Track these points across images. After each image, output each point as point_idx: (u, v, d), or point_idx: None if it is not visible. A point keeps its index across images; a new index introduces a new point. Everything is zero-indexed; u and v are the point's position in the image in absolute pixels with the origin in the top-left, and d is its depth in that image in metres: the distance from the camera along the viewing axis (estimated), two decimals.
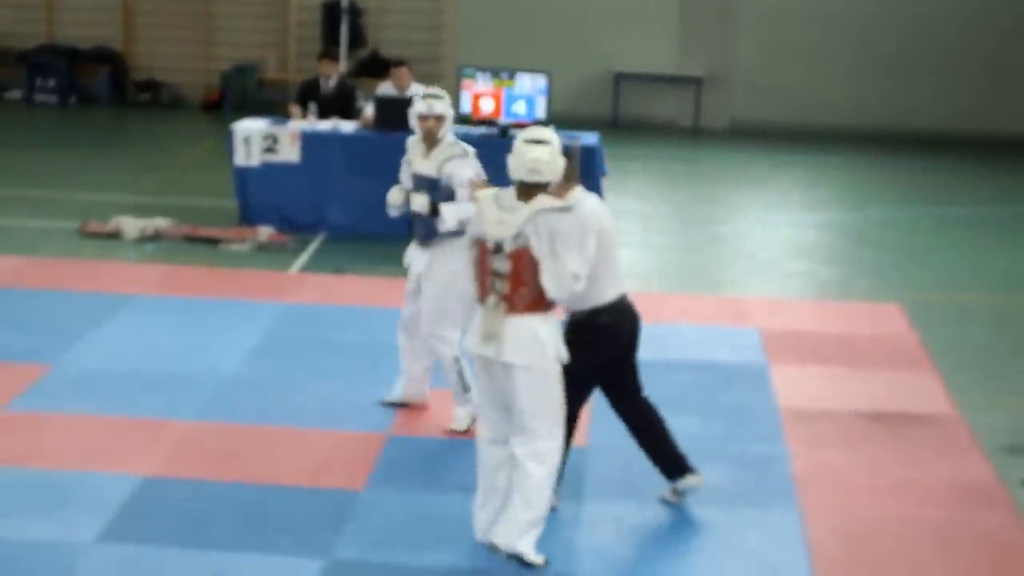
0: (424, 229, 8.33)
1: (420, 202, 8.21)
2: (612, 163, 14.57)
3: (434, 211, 8.18)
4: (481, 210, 6.73)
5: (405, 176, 8.52)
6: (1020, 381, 10.04)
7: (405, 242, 8.75)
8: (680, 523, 7.39)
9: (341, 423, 8.58)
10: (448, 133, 8.38)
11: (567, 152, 6.96)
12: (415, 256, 8.47)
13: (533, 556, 6.75)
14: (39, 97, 21.20)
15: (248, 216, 13.56)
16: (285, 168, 13.45)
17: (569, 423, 7.12)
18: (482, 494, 6.96)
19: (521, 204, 6.61)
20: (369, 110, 13.54)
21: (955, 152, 20.05)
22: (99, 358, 9.60)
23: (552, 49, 20.71)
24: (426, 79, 16.94)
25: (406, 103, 13.49)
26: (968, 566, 7.08)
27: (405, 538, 7.04)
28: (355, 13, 20.86)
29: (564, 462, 7.15)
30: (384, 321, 9.93)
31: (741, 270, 13.06)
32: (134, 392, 8.94)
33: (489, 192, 6.83)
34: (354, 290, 11.60)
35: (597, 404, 7.81)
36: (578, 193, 7.05)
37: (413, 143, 8.48)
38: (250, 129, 13.57)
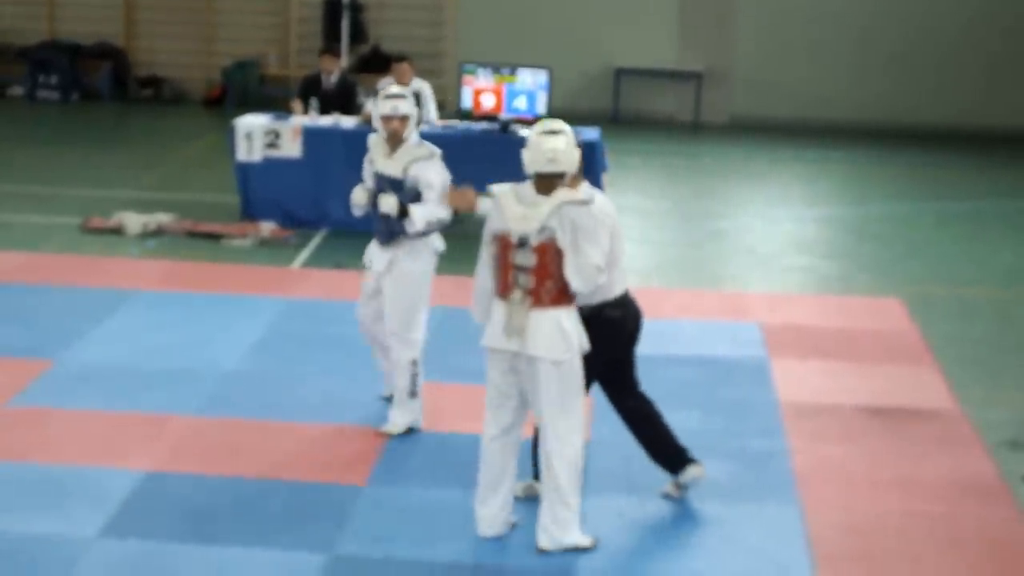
0: (388, 229, 8.23)
1: (389, 203, 8.11)
2: (612, 158, 14.58)
3: (403, 213, 8.12)
4: (500, 205, 6.71)
5: (368, 175, 8.43)
6: (1021, 376, 10.05)
7: None
8: (681, 518, 7.40)
9: (343, 418, 8.59)
10: (413, 133, 8.29)
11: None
12: (375, 255, 8.38)
13: (583, 542, 6.88)
14: (41, 93, 21.22)
15: (250, 212, 13.58)
16: (287, 164, 13.47)
17: None
18: (483, 490, 6.98)
19: (541, 198, 6.63)
20: (370, 106, 13.55)
21: (956, 147, 20.05)
22: (101, 353, 9.62)
23: (553, 44, 20.73)
24: (427, 75, 17.00)
25: None
26: (969, 561, 7.09)
27: (407, 533, 7.06)
28: (356, 9, 20.87)
29: None
30: None
31: (741, 265, 13.07)
32: (136, 387, 8.96)
33: (505, 187, 6.81)
34: (355, 285, 11.43)
35: (598, 400, 7.82)
36: (587, 188, 7.10)
37: (375, 142, 8.36)
38: (252, 125, 13.58)
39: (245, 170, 13.58)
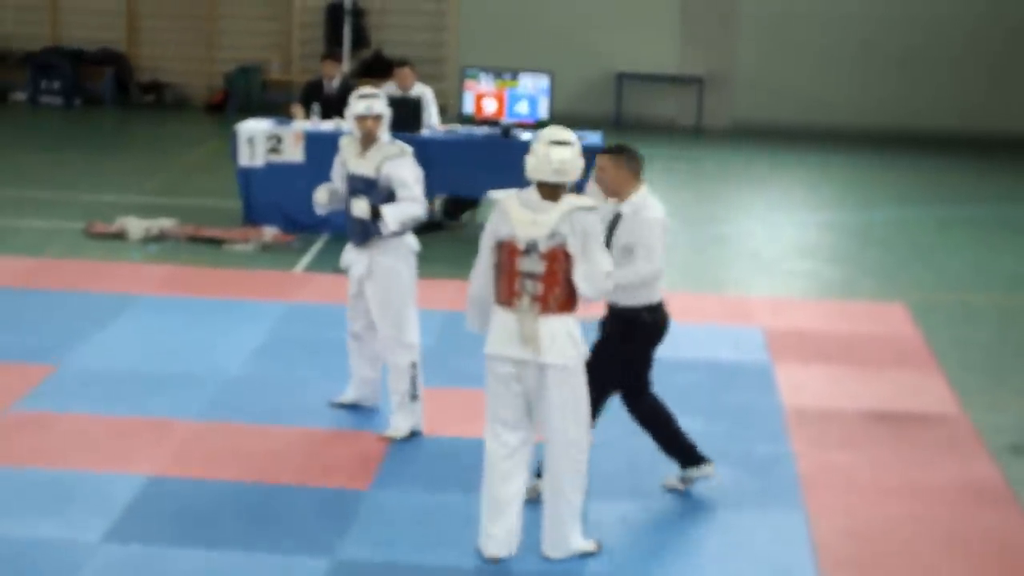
0: (362, 230, 8.22)
1: (361, 208, 8.09)
2: None
3: (375, 214, 8.10)
4: (505, 211, 6.64)
5: (337, 176, 8.42)
6: None
7: None
8: (685, 522, 7.39)
9: (345, 422, 8.59)
10: (384, 132, 8.29)
11: (630, 153, 7.25)
12: (353, 258, 8.36)
13: (587, 546, 6.88)
14: (44, 99, 21.23)
15: (252, 216, 13.58)
16: (289, 168, 13.46)
17: (593, 414, 7.16)
18: (490, 514, 6.77)
19: (549, 204, 6.59)
20: None
21: (960, 152, 20.04)
22: (105, 358, 9.61)
23: (554, 49, 20.73)
24: (429, 79, 17.00)
25: (410, 104, 13.62)
26: (974, 566, 7.07)
27: (410, 538, 7.05)
28: (358, 14, 20.88)
29: None
30: None
31: (744, 269, 13.06)
32: (139, 392, 8.95)
33: (510, 193, 6.76)
34: None
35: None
36: (645, 193, 7.27)
37: (347, 142, 8.36)
38: (254, 130, 13.58)
39: (247, 175, 13.58)
